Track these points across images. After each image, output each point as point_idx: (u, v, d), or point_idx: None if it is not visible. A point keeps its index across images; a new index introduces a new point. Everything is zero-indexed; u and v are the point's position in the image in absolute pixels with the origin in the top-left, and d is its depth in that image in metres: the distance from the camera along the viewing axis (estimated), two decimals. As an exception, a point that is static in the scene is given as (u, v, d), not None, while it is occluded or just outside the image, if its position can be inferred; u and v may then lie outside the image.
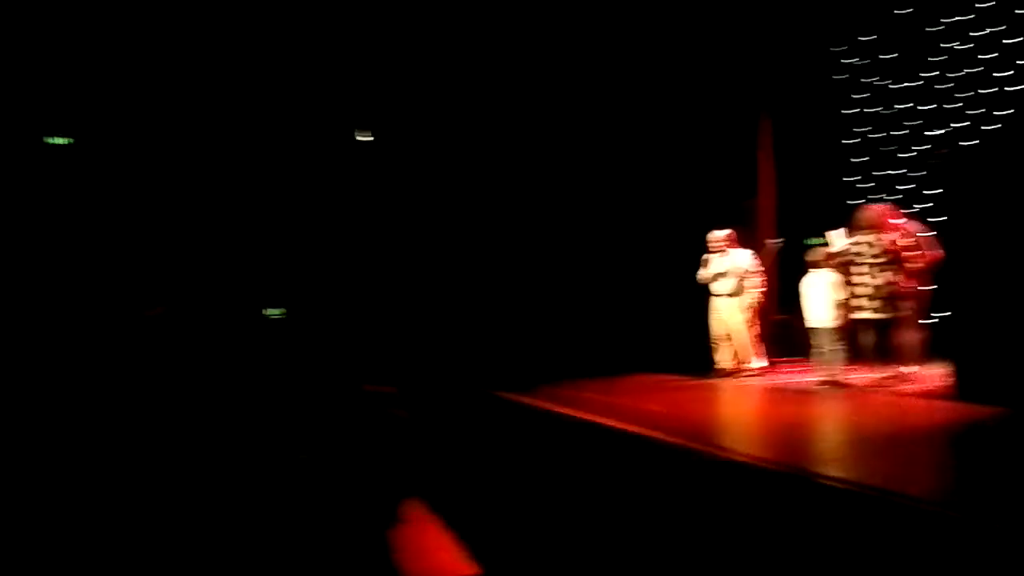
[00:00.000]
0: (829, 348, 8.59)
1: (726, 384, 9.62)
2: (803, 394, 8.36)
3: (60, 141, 11.46)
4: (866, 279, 8.18)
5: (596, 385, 9.34)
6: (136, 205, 11.21)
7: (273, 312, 11.33)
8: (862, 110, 12.23)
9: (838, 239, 8.59)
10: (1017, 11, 10.02)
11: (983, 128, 10.33)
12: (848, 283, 8.40)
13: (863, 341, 8.36)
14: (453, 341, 11.08)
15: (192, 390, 6.37)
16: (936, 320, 8.19)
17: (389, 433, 7.02)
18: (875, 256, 8.13)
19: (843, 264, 8.43)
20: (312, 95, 12.03)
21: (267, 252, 11.59)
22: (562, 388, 9.10)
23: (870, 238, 8.21)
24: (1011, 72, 10.18)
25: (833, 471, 4.64)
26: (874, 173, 11.92)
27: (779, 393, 8.75)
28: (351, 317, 10.81)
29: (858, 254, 8.25)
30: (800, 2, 11.82)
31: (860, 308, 8.25)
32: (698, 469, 5.27)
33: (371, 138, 12.52)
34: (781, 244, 10.70)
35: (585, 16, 11.78)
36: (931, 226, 8.26)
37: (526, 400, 8.40)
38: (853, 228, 8.45)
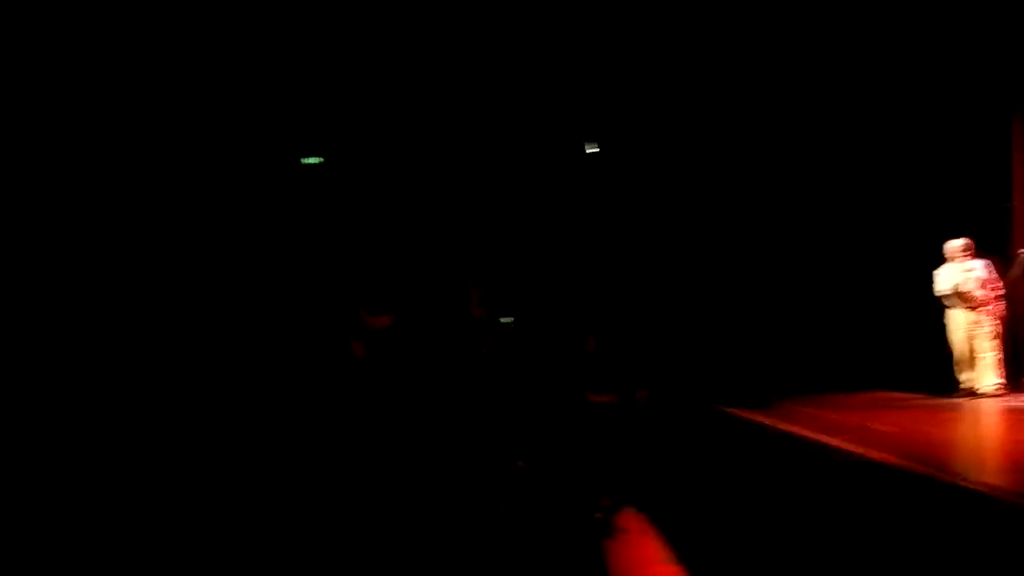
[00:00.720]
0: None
1: (967, 404, 8.99)
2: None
3: (312, 161, 12.45)
4: None
5: (824, 401, 9.02)
6: (382, 215, 11.94)
7: (504, 320, 11.74)
8: None
9: None
10: None
11: None
12: None
13: None
14: (677, 352, 11.03)
15: (422, 396, 6.70)
16: None
17: (607, 442, 7.10)
18: None
19: None
20: (544, 105, 12.35)
21: (500, 260, 12.03)
22: (787, 403, 8.85)
23: None
24: None
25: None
26: None
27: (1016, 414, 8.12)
28: (575, 326, 11.02)
29: None
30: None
31: None
32: (933, 497, 4.99)
33: (597, 149, 12.72)
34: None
35: (828, 14, 11.35)
36: None
37: (748, 415, 8.25)
38: None
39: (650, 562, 5.06)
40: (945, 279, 9.59)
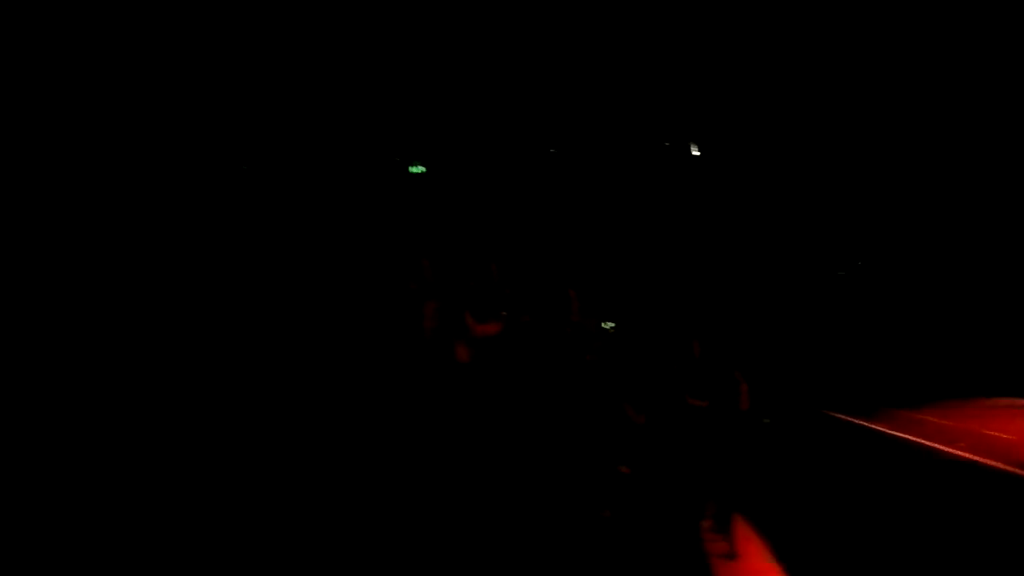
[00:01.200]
0: None
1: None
2: None
3: (417, 170, 12.71)
4: None
5: (939, 408, 8.68)
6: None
7: (606, 324, 11.71)
8: None
9: None
10: None
11: None
12: None
13: None
14: (785, 358, 10.81)
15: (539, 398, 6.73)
16: None
17: (711, 447, 7.07)
18: None
19: None
20: (646, 107, 12.29)
21: (601, 265, 12.03)
22: (902, 410, 8.56)
23: None
24: None
25: None
26: None
27: None
28: (679, 331, 10.92)
29: None
30: None
31: None
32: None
33: (699, 152, 12.59)
34: None
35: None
36: None
37: (860, 421, 8.05)
38: None
39: (758, 571, 5.02)
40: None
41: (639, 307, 11.72)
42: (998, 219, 11.38)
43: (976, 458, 5.88)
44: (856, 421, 8.18)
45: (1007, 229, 11.20)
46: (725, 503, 6.24)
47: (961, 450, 6.15)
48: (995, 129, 11.11)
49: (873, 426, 7.80)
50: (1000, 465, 5.63)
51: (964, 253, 11.48)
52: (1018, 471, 5.44)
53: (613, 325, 11.90)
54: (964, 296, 11.39)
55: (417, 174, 12.91)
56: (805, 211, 12.17)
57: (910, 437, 7.06)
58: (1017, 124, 10.88)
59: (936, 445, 6.50)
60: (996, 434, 7.01)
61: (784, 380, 10.33)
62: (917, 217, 11.79)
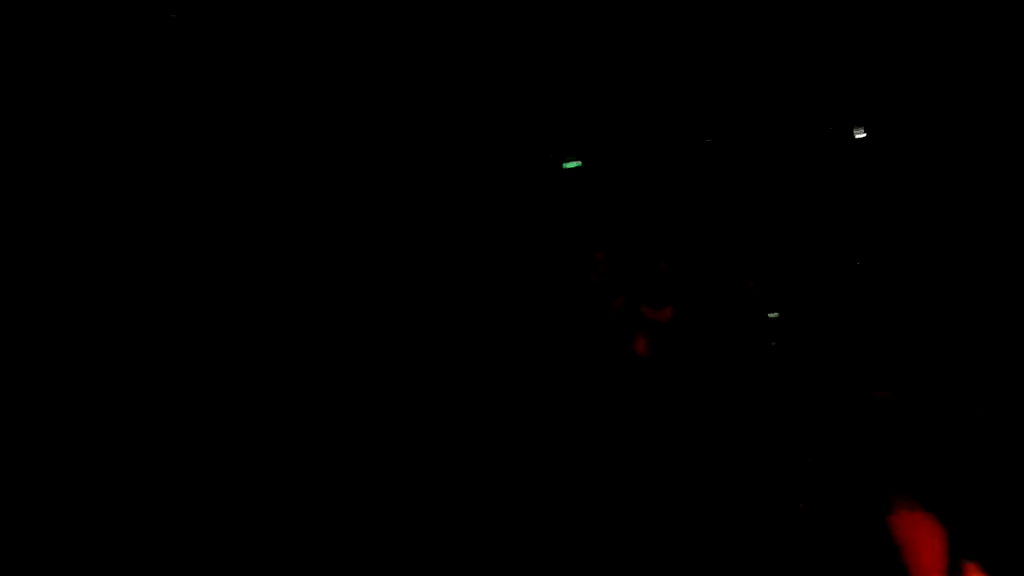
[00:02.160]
0: None
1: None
2: None
3: (572, 164, 12.78)
4: None
5: None
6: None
7: (771, 315, 11.43)
8: None
9: None
10: None
11: None
12: None
13: None
14: (951, 344, 10.23)
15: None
16: None
17: (883, 432, 6.95)
18: None
19: None
20: (807, 90, 11.92)
21: (769, 252, 11.74)
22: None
23: None
24: None
25: None
26: None
27: None
28: (844, 320, 10.55)
29: None
30: None
31: None
32: None
33: (865, 135, 12.08)
34: None
35: None
36: None
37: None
38: None
39: (924, 534, 4.96)
40: None
41: (809, 296, 11.38)
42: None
43: None
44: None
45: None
46: (899, 487, 6.16)
47: None
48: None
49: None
50: None
51: None
52: None
53: (777, 315, 11.61)
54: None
55: (572, 168, 12.98)
56: (989, 195, 11.50)
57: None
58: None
59: None
60: None
61: (951, 367, 9.85)
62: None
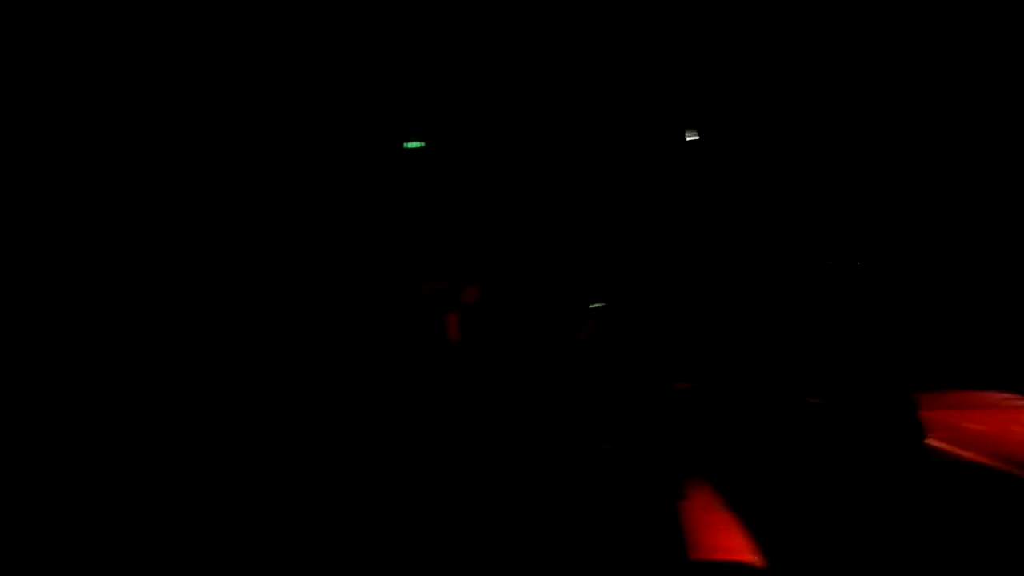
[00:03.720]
0: None
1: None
2: None
3: (414, 145, 12.70)
4: None
5: (920, 398, 8.76)
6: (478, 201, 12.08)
7: (595, 304, 11.74)
8: None
9: None
10: None
11: None
12: None
13: None
14: (765, 341, 10.85)
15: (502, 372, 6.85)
16: None
17: (684, 422, 7.18)
18: None
19: None
20: (641, 95, 12.27)
21: (591, 245, 12.04)
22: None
23: None
24: None
25: None
26: None
27: None
28: (665, 313, 10.97)
29: None
30: None
31: None
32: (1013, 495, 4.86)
33: (697, 137, 12.57)
34: None
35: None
36: None
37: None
38: None
39: (720, 528, 5.16)
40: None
41: (631, 289, 11.75)
42: (995, 212, 11.43)
43: (951, 449, 5.95)
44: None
45: (1003, 223, 11.27)
46: (693, 473, 6.37)
47: (938, 441, 6.23)
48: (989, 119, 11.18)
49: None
50: (973, 456, 5.70)
51: (957, 251, 11.54)
52: (984, 459, 5.51)
53: (602, 304, 11.95)
54: (950, 292, 11.45)
55: (415, 148, 12.89)
56: (802, 202, 12.16)
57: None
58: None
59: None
60: (970, 425, 7.11)
61: (761, 364, 10.40)
62: (922, 213, 11.85)
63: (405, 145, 12.68)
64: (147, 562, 4.00)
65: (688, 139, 12.62)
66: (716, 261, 12.04)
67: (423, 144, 12.70)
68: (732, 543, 5.20)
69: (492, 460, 5.85)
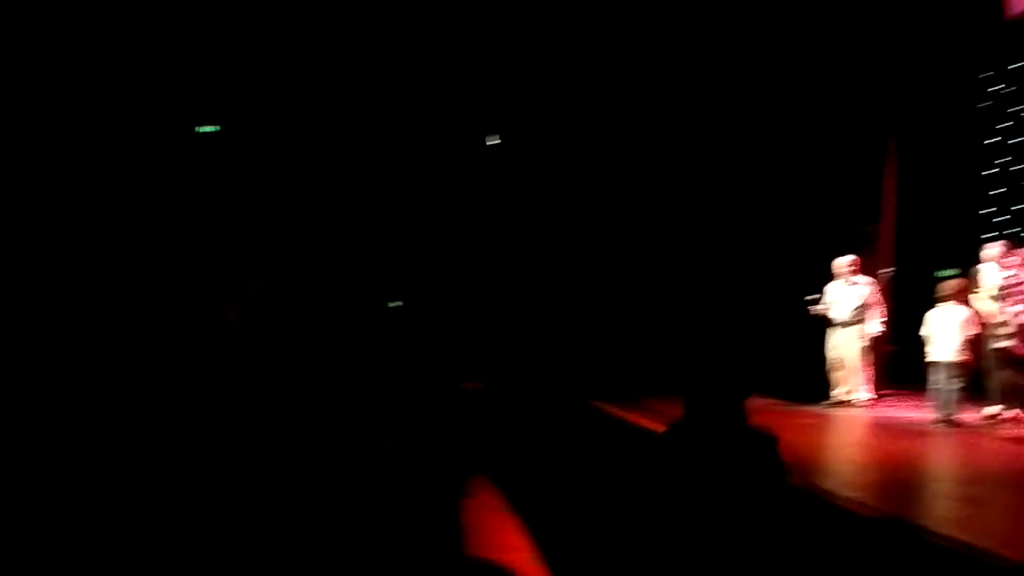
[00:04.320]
0: (948, 385, 8.23)
1: (833, 414, 9.36)
2: (907, 430, 8.13)
3: (208, 129, 12.20)
4: (1008, 313, 7.86)
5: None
6: (270, 191, 11.80)
7: (393, 304, 11.72)
8: (1004, 140, 11.70)
9: (990, 272, 8.27)
10: None
11: None
12: (995, 317, 8.07)
13: (993, 380, 8.16)
14: (553, 344, 11.19)
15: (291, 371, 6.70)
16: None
17: (470, 422, 7.23)
18: (1017, 291, 7.78)
19: (998, 298, 8.04)
20: (443, 97, 12.35)
21: (392, 245, 12.00)
22: (656, 402, 9.08)
23: (1015, 272, 7.86)
24: None
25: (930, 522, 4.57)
26: (1012, 208, 11.37)
27: (882, 428, 8.51)
28: (460, 313, 11.10)
29: (1007, 288, 7.88)
30: (944, 25, 11.36)
31: (997, 343, 7.91)
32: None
33: (499, 141, 12.80)
34: (892, 273, 10.29)
35: (709, 27, 11.71)
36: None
37: (617, 411, 8.45)
38: (999, 262, 8.11)
39: (497, 526, 5.26)
40: (831, 295, 9.95)
41: (426, 288, 11.78)
42: (765, 232, 12.17)
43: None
44: (610, 410, 8.58)
45: (769, 242, 12.01)
46: (475, 472, 6.44)
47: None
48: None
49: (621, 414, 8.20)
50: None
51: (728, 261, 12.24)
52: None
53: (400, 304, 11.94)
54: (724, 300, 12.10)
55: (207, 133, 12.38)
56: (582, 205, 12.53)
57: (652, 425, 7.48)
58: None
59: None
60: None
61: (547, 366, 10.70)
62: (691, 220, 12.50)
63: (198, 129, 12.18)
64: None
65: (489, 143, 12.85)
66: (506, 263, 12.25)
67: (218, 128, 12.25)
68: (511, 542, 5.30)
69: (254, 456, 5.66)
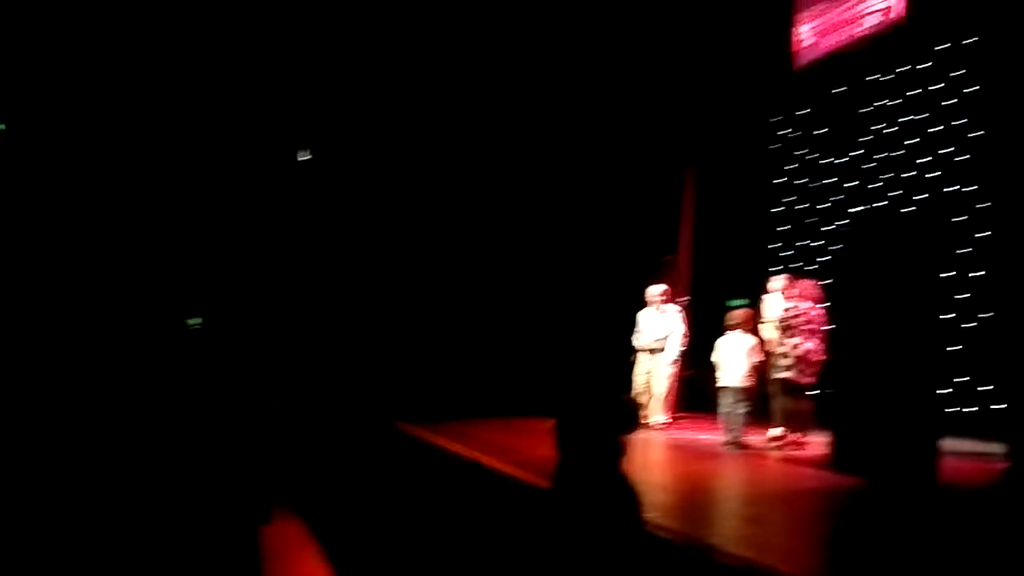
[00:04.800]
0: (736, 409, 8.69)
1: (633, 437, 9.62)
2: (699, 452, 8.53)
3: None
4: (788, 343, 8.28)
5: (497, 424, 9.37)
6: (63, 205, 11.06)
7: (192, 321, 11.20)
8: (791, 180, 12.59)
9: (774, 303, 8.73)
10: (943, 102, 10.40)
11: (901, 210, 10.64)
12: (777, 346, 8.50)
13: (776, 404, 8.56)
14: (359, 366, 11.00)
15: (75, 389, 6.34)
16: (828, 390, 8.37)
17: (271, 445, 7.06)
18: (797, 322, 8.22)
19: (779, 328, 8.48)
20: (249, 109, 11.95)
21: (192, 262, 11.47)
22: (461, 424, 9.11)
23: (795, 304, 8.32)
24: (930, 158, 10.55)
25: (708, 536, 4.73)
26: (797, 244, 12.23)
27: (677, 450, 8.87)
28: (264, 333, 10.72)
29: (787, 319, 8.32)
30: (741, 72, 12.13)
31: (780, 370, 8.32)
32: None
33: (309, 157, 12.51)
34: (687, 302, 10.83)
35: (511, 61, 11.97)
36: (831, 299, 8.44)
37: (420, 433, 8.40)
38: (783, 294, 8.57)
39: (298, 552, 5.13)
40: (642, 322, 10.35)
41: (228, 307, 11.33)
42: (570, 261, 12.46)
43: (511, 471, 6.34)
44: (416, 433, 8.51)
45: (574, 270, 12.32)
46: (275, 495, 6.31)
47: (501, 463, 6.62)
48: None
49: (430, 439, 8.15)
50: (531, 478, 6.11)
51: (532, 288, 12.44)
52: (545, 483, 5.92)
53: (199, 321, 11.41)
54: (528, 325, 12.29)
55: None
56: (388, 228, 12.44)
57: (455, 448, 7.48)
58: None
59: (479, 457, 6.95)
60: (541, 452, 7.63)
61: (355, 390, 10.51)
62: (495, 250, 12.66)
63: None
64: None
65: (300, 159, 12.55)
66: (313, 280, 11.95)
67: (3, 127, 11.35)
68: (310, 571, 5.18)
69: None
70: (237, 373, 9.40)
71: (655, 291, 10.32)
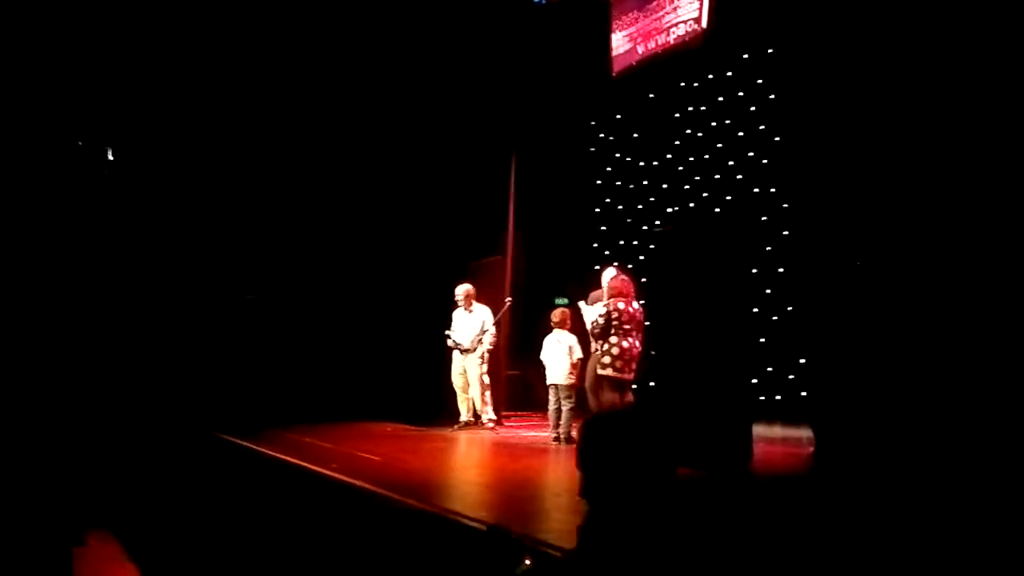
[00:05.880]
0: (563, 405, 8.87)
1: (455, 436, 9.76)
2: (528, 448, 8.67)
3: None
4: (612, 342, 8.42)
5: (323, 431, 9.25)
6: None
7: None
8: (611, 182, 13.05)
9: (593, 304, 8.90)
10: (748, 108, 11.05)
11: (714, 210, 11.23)
12: (601, 345, 8.61)
13: (604, 399, 8.66)
14: (175, 376, 10.53)
15: None
16: (648, 384, 8.69)
17: (80, 462, 6.79)
18: (620, 321, 8.40)
19: (600, 327, 8.59)
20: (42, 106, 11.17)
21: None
22: (287, 432, 8.93)
23: (616, 304, 8.51)
24: (734, 162, 11.21)
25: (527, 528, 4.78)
26: (618, 242, 12.67)
27: (505, 447, 8.98)
28: (64, 338, 10.02)
29: (609, 318, 8.49)
30: (563, 77, 12.42)
31: (604, 368, 8.47)
32: (398, 521, 5.27)
33: (112, 157, 11.81)
34: (511, 302, 10.99)
35: (333, 41, 11.85)
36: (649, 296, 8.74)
37: (245, 442, 8.14)
38: (606, 294, 8.77)
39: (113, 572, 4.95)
40: (454, 323, 10.51)
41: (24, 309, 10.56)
42: (391, 258, 12.41)
43: (346, 479, 6.27)
44: (242, 443, 8.25)
45: (395, 268, 12.29)
46: (89, 514, 6.09)
47: (334, 471, 6.52)
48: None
49: (259, 448, 7.93)
50: (366, 485, 6.08)
51: (357, 287, 12.34)
52: (380, 490, 5.90)
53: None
54: (356, 328, 12.20)
55: None
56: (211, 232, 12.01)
57: (291, 459, 7.30)
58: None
59: (312, 466, 6.81)
60: (366, 456, 7.58)
61: (172, 399, 10.13)
62: (321, 248, 12.49)
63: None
64: None
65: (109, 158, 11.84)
66: (117, 284, 11.27)
67: None
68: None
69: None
70: (44, 380, 8.80)
71: (460, 292, 10.52)
